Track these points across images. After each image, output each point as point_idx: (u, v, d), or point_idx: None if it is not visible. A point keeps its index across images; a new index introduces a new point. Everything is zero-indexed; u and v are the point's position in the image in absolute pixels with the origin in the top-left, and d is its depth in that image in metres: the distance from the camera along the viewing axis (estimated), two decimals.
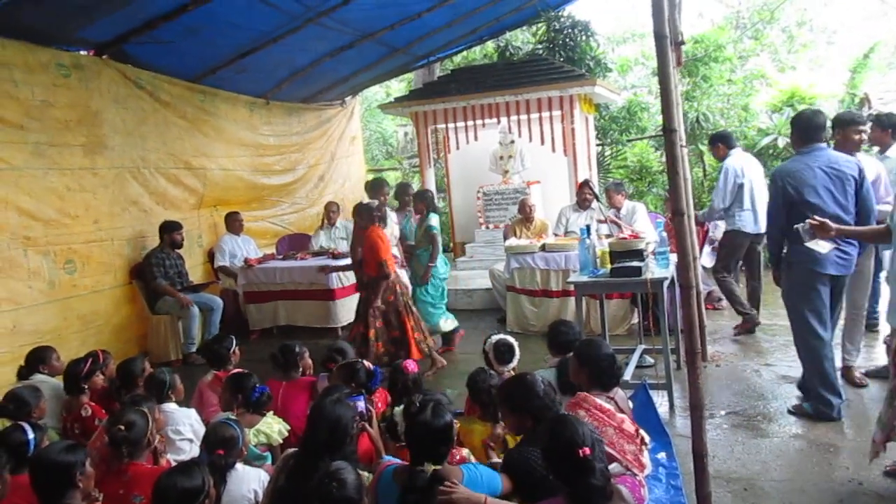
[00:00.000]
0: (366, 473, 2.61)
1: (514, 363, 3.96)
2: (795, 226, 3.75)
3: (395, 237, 6.26)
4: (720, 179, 5.72)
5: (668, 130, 2.76)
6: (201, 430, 3.56)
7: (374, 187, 6.60)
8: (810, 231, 3.66)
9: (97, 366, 3.94)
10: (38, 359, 4.16)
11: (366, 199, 5.99)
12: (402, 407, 2.77)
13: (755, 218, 5.62)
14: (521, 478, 2.45)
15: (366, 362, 3.77)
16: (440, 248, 6.01)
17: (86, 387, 3.86)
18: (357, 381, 3.60)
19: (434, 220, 5.98)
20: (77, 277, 5.75)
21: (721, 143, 5.93)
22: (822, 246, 3.79)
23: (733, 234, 5.74)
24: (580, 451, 2.13)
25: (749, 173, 5.65)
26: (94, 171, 5.99)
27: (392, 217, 6.45)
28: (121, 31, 5.84)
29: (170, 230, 6.49)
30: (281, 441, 3.40)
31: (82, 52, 5.98)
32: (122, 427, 2.79)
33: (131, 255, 6.43)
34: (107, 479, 2.74)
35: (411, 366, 3.63)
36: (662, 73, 2.74)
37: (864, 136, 4.63)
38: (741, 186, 5.59)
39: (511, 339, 3.99)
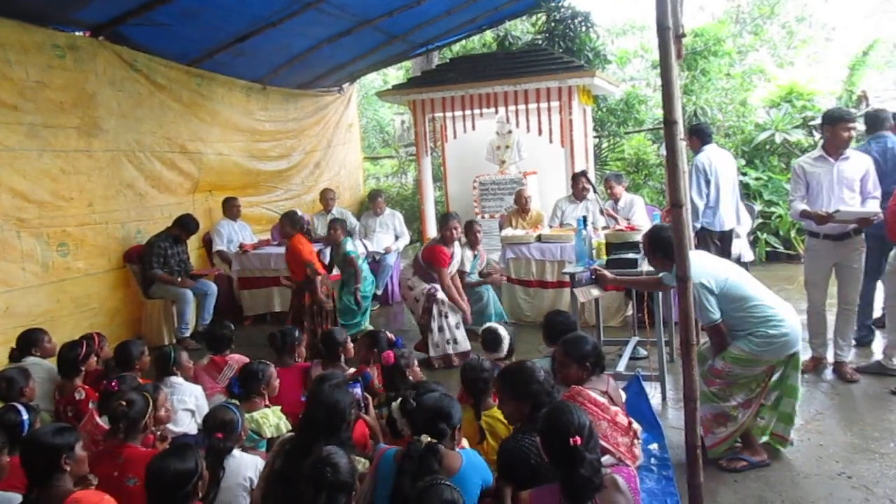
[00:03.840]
0: (361, 459, 2.61)
1: (503, 352, 3.95)
2: (578, 272, 4.40)
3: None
4: (690, 175, 5.44)
5: (668, 122, 2.74)
6: (204, 406, 3.57)
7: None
8: (591, 277, 4.14)
9: (93, 349, 3.93)
10: (29, 341, 4.13)
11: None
12: (399, 402, 2.78)
13: (715, 214, 5.47)
14: (517, 466, 2.47)
15: (387, 332, 3.92)
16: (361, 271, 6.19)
17: (82, 369, 3.85)
18: (379, 348, 3.74)
19: (350, 245, 6.13)
20: (70, 260, 5.72)
21: (696, 136, 5.70)
22: (583, 293, 4.25)
23: (700, 234, 5.50)
24: (571, 440, 2.15)
25: (718, 169, 5.46)
26: (89, 153, 5.93)
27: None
28: (117, 12, 5.77)
29: (181, 226, 6.42)
30: (270, 436, 3.39)
31: (78, 33, 5.91)
32: (123, 403, 2.79)
33: (125, 239, 6.39)
34: (101, 462, 2.73)
35: (390, 357, 3.63)
36: (664, 65, 2.70)
37: (853, 133, 4.51)
38: (707, 183, 5.42)
39: (500, 327, 3.99)
